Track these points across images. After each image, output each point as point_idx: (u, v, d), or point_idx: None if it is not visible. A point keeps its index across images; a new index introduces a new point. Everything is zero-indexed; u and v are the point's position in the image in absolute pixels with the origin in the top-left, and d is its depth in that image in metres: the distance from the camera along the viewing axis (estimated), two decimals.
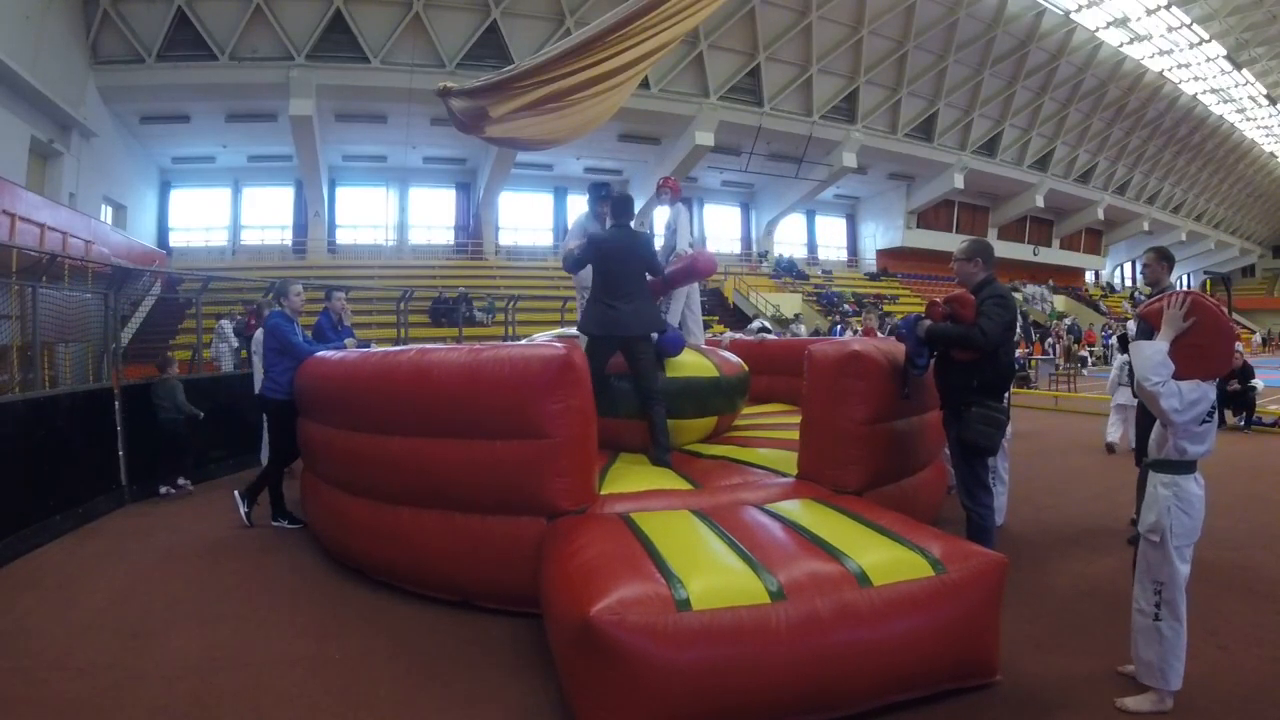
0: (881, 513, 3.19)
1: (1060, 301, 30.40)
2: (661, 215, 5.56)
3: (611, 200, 4.42)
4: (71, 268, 8.61)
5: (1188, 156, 33.43)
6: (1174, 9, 22.74)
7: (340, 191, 22.91)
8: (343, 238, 22.81)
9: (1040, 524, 4.94)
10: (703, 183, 25.94)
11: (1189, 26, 23.80)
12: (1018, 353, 14.97)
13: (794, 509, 3.30)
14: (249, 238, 22.44)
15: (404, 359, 3.74)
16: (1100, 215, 32.49)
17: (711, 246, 27.60)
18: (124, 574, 4.06)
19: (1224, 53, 25.43)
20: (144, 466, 5.85)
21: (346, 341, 5.42)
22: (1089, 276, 38.26)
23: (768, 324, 10.69)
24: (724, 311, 21.92)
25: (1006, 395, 3.62)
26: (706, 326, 8.01)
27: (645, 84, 19.08)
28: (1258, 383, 9.60)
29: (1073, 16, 23.47)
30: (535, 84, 4.85)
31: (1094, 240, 36.46)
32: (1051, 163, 29.33)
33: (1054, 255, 34.03)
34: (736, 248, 28.29)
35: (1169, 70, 27.14)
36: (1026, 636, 3.09)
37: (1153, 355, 2.48)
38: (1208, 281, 30.49)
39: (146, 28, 16.33)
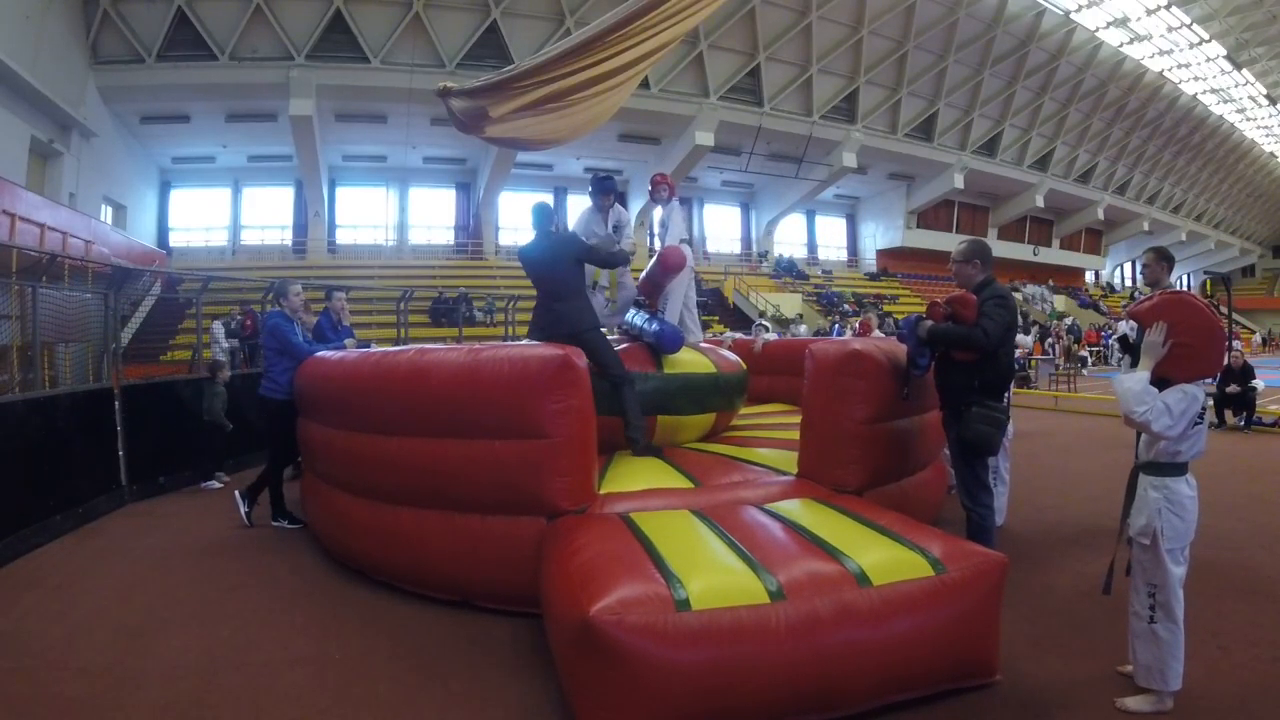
0: (881, 512, 3.19)
1: (1060, 301, 30.40)
2: (660, 214, 5.54)
3: (533, 211, 4.39)
4: (71, 268, 8.62)
5: (1188, 156, 33.44)
6: (1174, 9, 22.74)
7: (340, 191, 22.93)
8: (343, 238, 22.83)
9: (1040, 524, 4.94)
10: (703, 183, 25.96)
11: (1189, 26, 23.81)
12: (1026, 353, 15.01)
13: (794, 508, 3.30)
14: (249, 238, 22.47)
15: (404, 359, 3.74)
16: (1100, 215, 32.52)
17: (711, 246, 27.71)
18: (124, 574, 4.06)
19: (1224, 53, 25.44)
20: (144, 466, 5.85)
21: (346, 342, 5.41)
22: (1089, 276, 38.27)
23: (767, 324, 10.76)
24: (724, 311, 21.93)
25: (1007, 395, 3.62)
26: (706, 327, 8.00)
27: (645, 84, 19.08)
28: (1258, 383, 9.60)
29: (1073, 16, 23.48)
30: (535, 84, 4.84)
31: (1094, 240, 36.48)
32: (1051, 163, 29.34)
33: (1054, 255, 34.04)
34: (736, 248, 28.33)
35: (1169, 70, 27.15)
36: (1026, 636, 3.09)
37: (1133, 386, 2.47)
38: (1207, 281, 30.43)
39: (146, 28, 16.35)
